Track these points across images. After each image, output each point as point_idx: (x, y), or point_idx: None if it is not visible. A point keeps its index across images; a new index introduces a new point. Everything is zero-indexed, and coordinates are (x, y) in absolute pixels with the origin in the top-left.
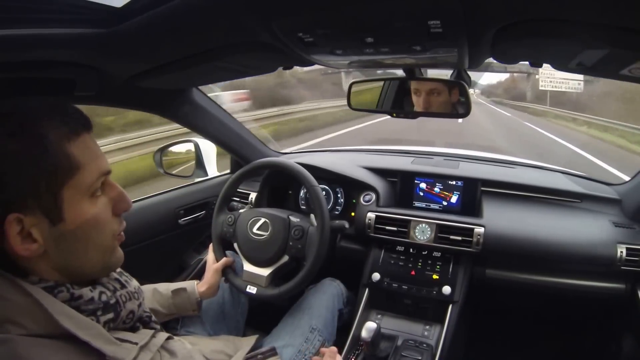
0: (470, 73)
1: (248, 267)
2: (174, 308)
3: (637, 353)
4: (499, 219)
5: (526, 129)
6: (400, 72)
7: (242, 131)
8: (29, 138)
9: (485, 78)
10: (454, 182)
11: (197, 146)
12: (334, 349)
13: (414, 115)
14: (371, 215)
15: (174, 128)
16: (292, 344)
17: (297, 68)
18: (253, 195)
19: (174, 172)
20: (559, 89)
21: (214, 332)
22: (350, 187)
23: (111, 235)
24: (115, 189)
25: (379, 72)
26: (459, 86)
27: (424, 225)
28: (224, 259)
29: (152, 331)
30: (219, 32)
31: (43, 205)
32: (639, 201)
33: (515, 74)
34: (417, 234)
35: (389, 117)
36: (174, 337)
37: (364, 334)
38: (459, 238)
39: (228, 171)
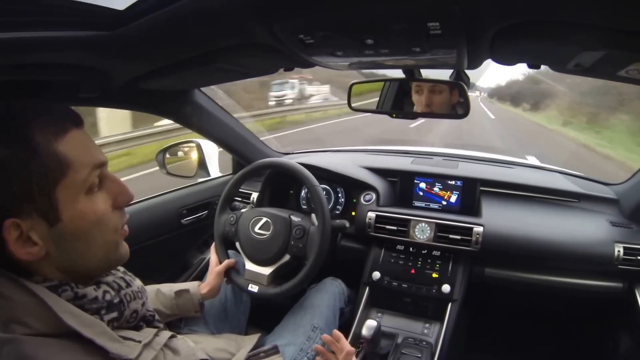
0: (469, 73)
1: (250, 266)
2: (176, 309)
3: (634, 351)
4: (497, 219)
5: None
6: (400, 73)
7: (243, 132)
8: (16, 142)
9: (488, 78)
10: (453, 182)
11: (199, 147)
12: (352, 350)
13: (413, 115)
14: (371, 214)
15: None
16: (294, 342)
17: None
18: (255, 195)
19: (175, 172)
20: None
21: (216, 331)
22: (351, 186)
23: (113, 230)
24: (115, 181)
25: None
26: (458, 87)
27: (423, 224)
28: (226, 261)
29: (156, 330)
30: (221, 34)
31: (38, 208)
32: (636, 201)
33: None
34: (416, 233)
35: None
36: (177, 335)
37: (365, 332)
38: (458, 237)
39: (230, 172)
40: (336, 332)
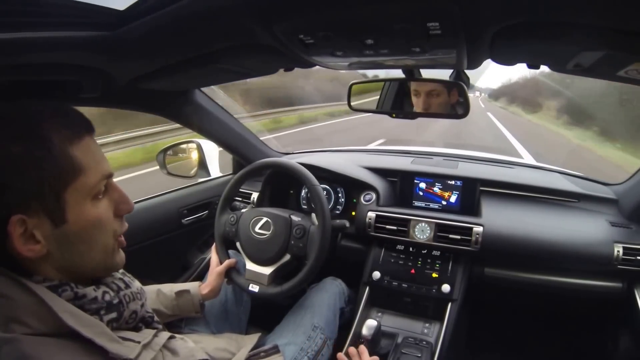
0: (468, 74)
1: (250, 265)
2: (177, 309)
3: (633, 351)
4: (497, 219)
5: None
6: (400, 74)
7: (243, 132)
8: (33, 141)
9: (487, 78)
10: (453, 182)
11: (199, 147)
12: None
13: (413, 115)
14: (371, 214)
15: None
16: (295, 342)
17: None
18: (255, 195)
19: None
20: None
21: (217, 330)
22: (351, 186)
23: (113, 236)
24: (118, 191)
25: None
26: (457, 87)
27: (423, 224)
28: (226, 262)
29: (155, 331)
30: (221, 34)
31: (46, 207)
32: (635, 201)
33: None
34: (416, 233)
35: None
36: (177, 335)
37: (365, 331)
38: (458, 237)
39: (230, 172)
40: (362, 347)
